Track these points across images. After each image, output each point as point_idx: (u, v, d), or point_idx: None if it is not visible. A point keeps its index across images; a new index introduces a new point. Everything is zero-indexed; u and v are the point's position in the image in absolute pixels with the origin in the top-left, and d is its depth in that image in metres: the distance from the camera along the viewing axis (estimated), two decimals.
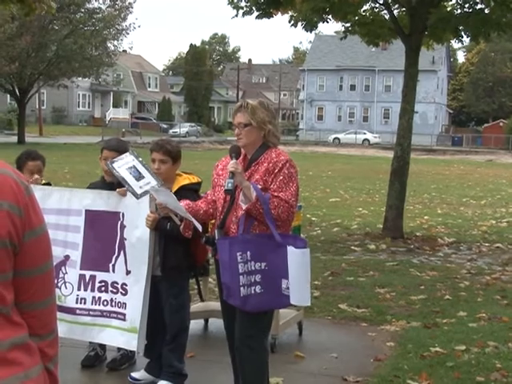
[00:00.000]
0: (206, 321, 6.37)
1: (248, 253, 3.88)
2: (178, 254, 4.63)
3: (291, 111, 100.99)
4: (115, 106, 72.15)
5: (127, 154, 4.59)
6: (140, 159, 4.53)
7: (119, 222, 4.63)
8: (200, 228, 4.12)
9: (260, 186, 3.93)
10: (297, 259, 3.86)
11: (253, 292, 3.89)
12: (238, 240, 3.91)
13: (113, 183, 4.86)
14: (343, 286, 8.05)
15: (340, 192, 20.12)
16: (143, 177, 4.45)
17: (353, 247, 10.82)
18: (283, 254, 3.87)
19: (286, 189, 3.93)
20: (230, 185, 3.88)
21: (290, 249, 3.87)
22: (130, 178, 4.43)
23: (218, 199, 4.17)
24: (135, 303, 4.57)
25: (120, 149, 4.89)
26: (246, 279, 3.88)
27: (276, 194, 3.90)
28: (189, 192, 4.61)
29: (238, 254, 3.87)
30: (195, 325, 5.98)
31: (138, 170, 4.47)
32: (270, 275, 3.90)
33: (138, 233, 4.58)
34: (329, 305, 7.16)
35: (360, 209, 16.02)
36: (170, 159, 4.66)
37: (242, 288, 3.87)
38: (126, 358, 5.23)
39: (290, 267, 3.86)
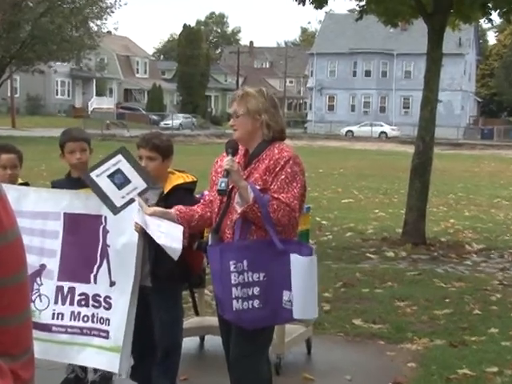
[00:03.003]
0: (202, 338, 6.36)
1: (244, 262, 3.87)
2: (171, 262, 4.61)
3: (298, 100, 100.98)
4: (99, 94, 72.24)
5: (116, 152, 4.54)
6: (130, 158, 4.48)
7: (101, 227, 4.60)
8: (175, 256, 4.07)
9: (259, 187, 3.92)
10: (302, 268, 3.86)
11: (250, 307, 3.89)
12: (233, 247, 3.91)
13: (80, 179, 4.81)
14: (357, 299, 8.05)
15: (354, 192, 20.13)
16: (129, 181, 4.42)
17: (368, 254, 10.83)
18: (285, 262, 3.86)
19: (287, 190, 3.93)
20: (223, 184, 3.87)
21: (294, 257, 3.86)
22: (110, 189, 4.39)
23: (214, 200, 4.17)
24: (120, 318, 4.55)
25: (86, 137, 4.96)
26: (241, 292, 3.87)
27: (276, 195, 3.89)
28: (184, 192, 4.59)
29: (230, 262, 3.86)
30: (190, 342, 5.98)
31: (123, 174, 4.43)
32: (269, 287, 3.89)
33: (124, 239, 4.54)
34: (341, 320, 7.15)
35: (376, 211, 16.04)
36: (159, 155, 4.64)
37: (234, 301, 3.87)
38: (104, 380, 5.20)
39: (294, 277, 3.85)
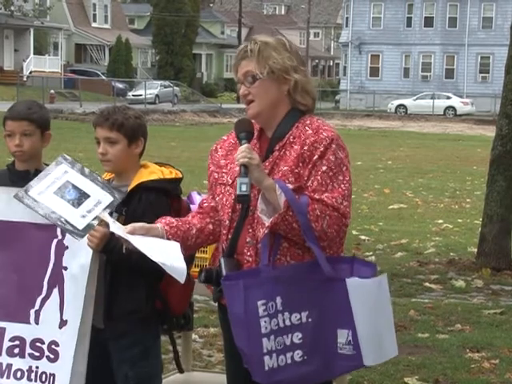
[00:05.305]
0: None
1: (277, 299, 3.84)
2: (138, 293, 4.57)
3: (327, 62, 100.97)
4: (38, 51, 72.19)
5: (56, 162, 4.51)
6: (78, 166, 4.47)
7: (55, 241, 4.58)
8: (182, 279, 3.95)
9: (291, 185, 3.89)
10: (370, 297, 3.86)
11: (289, 361, 3.85)
12: (260, 278, 3.86)
13: (28, 172, 4.81)
14: (412, 348, 8.07)
15: (407, 194, 20.23)
16: (87, 196, 4.40)
17: (428, 284, 10.85)
18: (338, 290, 3.85)
19: (332, 187, 3.92)
20: (243, 187, 3.81)
21: (353, 282, 3.85)
22: (62, 208, 4.37)
23: (221, 207, 4.12)
24: (69, 374, 4.55)
25: (33, 116, 4.87)
26: (276, 343, 3.83)
27: (317, 196, 3.87)
28: (156, 195, 4.56)
29: (259, 303, 3.82)
30: None
31: (75, 188, 4.42)
32: (316, 331, 3.87)
33: (81, 258, 4.55)
34: (389, 378, 7.18)
35: (440, 221, 16.11)
36: (123, 137, 4.61)
37: (266, 358, 3.82)
38: None
39: (359, 310, 3.84)
